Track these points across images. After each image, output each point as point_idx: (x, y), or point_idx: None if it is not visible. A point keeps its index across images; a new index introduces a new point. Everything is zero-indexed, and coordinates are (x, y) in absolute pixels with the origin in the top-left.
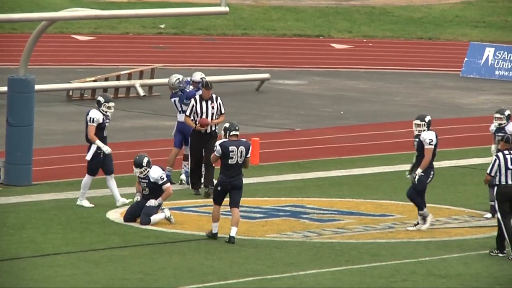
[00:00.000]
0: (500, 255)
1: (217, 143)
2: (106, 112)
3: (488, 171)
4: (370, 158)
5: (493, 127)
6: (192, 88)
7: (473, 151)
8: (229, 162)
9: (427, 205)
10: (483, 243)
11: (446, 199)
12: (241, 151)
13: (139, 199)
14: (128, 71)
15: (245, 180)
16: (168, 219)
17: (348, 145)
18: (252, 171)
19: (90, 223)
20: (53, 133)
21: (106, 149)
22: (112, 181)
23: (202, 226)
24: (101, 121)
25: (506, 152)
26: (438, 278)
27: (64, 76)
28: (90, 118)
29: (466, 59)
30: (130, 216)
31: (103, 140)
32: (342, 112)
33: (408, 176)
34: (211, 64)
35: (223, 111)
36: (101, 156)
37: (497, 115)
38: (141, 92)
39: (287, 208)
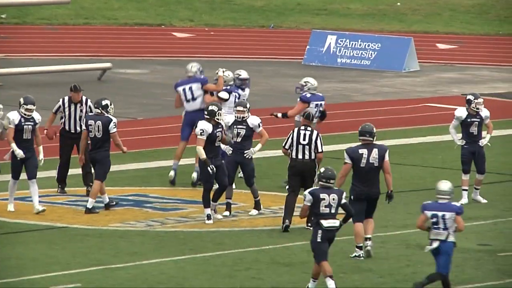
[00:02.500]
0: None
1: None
2: (25, 114)
3: (283, 144)
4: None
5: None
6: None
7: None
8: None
9: (270, 193)
10: None
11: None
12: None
13: None
14: None
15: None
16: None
17: (192, 133)
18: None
19: None
20: None
21: (17, 152)
22: (32, 187)
23: (45, 216)
24: (16, 122)
25: (302, 127)
26: (282, 266)
27: None
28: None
29: (308, 47)
30: None
31: (23, 142)
32: None
33: None
34: (52, 54)
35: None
36: (18, 159)
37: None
38: None
39: (130, 198)
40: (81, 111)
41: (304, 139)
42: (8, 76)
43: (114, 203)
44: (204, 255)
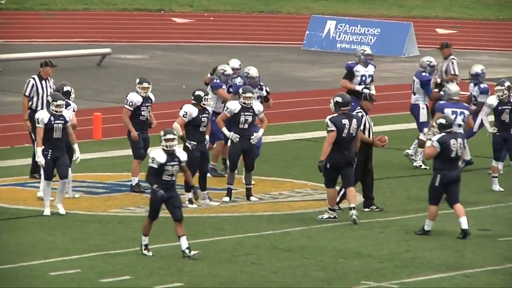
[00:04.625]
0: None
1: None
2: (55, 111)
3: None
4: None
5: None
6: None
7: (316, 124)
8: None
9: (270, 178)
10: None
11: (289, 172)
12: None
13: None
14: None
15: (87, 156)
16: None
17: None
18: (94, 146)
19: None
20: None
21: (39, 160)
22: (61, 186)
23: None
24: (46, 121)
25: None
26: (282, 251)
27: None
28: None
29: (307, 32)
30: None
31: (54, 142)
32: (184, 87)
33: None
34: (52, 40)
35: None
36: (49, 158)
37: (498, 87)
38: None
39: (130, 183)
40: (50, 87)
41: None
42: (7, 62)
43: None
44: (203, 241)
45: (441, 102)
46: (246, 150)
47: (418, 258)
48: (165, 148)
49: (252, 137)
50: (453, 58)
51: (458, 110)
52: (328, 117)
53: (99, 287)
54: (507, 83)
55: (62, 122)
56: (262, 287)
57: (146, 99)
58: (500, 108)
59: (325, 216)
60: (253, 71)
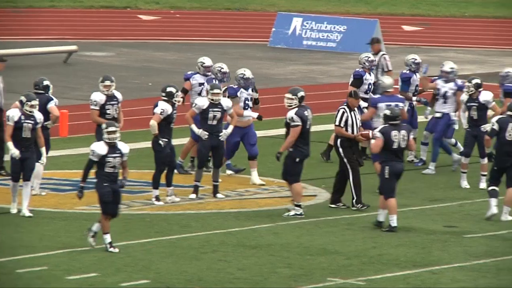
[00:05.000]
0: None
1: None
2: (28, 111)
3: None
4: (180, 130)
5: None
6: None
7: (283, 121)
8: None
9: (236, 175)
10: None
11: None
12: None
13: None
14: None
15: (54, 153)
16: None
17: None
18: (61, 143)
19: None
20: None
21: (13, 152)
22: (25, 189)
23: (10, 199)
24: (16, 119)
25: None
26: (248, 248)
27: None
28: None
29: (273, 29)
30: None
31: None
32: (150, 84)
33: None
34: (18, 37)
35: None
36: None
37: (466, 84)
38: None
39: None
40: (2, 82)
41: None
42: None
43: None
44: (170, 238)
45: (375, 96)
46: (215, 147)
47: (384, 255)
48: (107, 141)
49: (221, 134)
50: (384, 54)
51: (393, 103)
52: (293, 112)
53: (66, 284)
54: (475, 80)
55: (32, 122)
56: (229, 284)
57: (110, 97)
58: (468, 104)
59: (292, 213)
60: (248, 72)
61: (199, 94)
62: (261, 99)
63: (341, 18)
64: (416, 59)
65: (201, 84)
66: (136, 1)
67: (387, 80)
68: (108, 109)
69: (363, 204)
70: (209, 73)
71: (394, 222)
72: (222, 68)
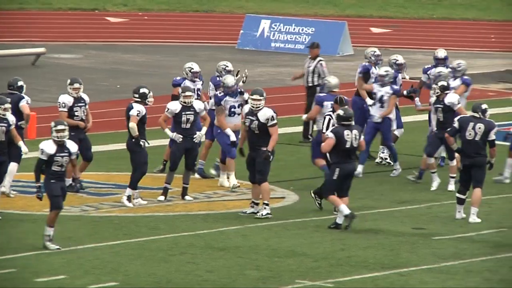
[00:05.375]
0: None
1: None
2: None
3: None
4: (150, 132)
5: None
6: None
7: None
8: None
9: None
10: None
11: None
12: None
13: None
14: None
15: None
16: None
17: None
18: (29, 145)
19: None
20: None
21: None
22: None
23: None
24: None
25: None
26: (217, 250)
27: None
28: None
29: (242, 31)
30: None
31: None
32: (118, 86)
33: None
34: None
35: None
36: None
37: (433, 85)
38: None
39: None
40: None
41: None
42: None
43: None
44: (138, 240)
45: (321, 94)
46: (188, 149)
47: (353, 257)
48: (56, 139)
49: (195, 136)
50: (321, 60)
51: None
52: (271, 110)
53: (34, 286)
54: (441, 83)
55: (5, 125)
56: (198, 286)
57: (77, 99)
58: (434, 106)
59: (264, 212)
60: (229, 80)
61: None
62: None
63: (309, 20)
64: (397, 60)
65: None
66: (104, 3)
67: (333, 80)
68: (76, 111)
69: (320, 204)
70: (197, 79)
71: (340, 219)
72: (227, 66)
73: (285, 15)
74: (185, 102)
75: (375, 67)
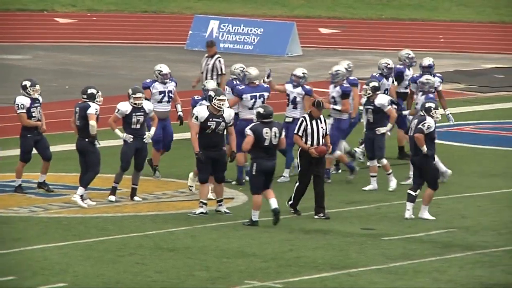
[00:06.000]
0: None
1: None
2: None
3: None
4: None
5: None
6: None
7: None
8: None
9: (154, 178)
10: (210, 216)
11: (173, 172)
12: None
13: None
14: None
15: None
16: None
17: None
18: None
19: None
20: None
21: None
22: None
23: None
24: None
25: None
26: (166, 251)
27: None
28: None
29: (190, 32)
30: None
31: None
32: (67, 87)
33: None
34: None
35: None
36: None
37: (364, 86)
38: None
39: (13, 184)
40: None
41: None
42: None
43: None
44: (87, 241)
45: (240, 87)
46: (138, 149)
47: (302, 257)
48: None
49: (144, 136)
50: (219, 57)
51: (257, 94)
52: (233, 111)
53: None
54: (372, 83)
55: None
56: (147, 287)
57: (33, 100)
58: (365, 107)
59: (198, 211)
60: (210, 84)
61: (160, 102)
62: (189, 100)
63: (258, 21)
64: (388, 64)
65: (161, 92)
66: (52, 4)
67: (253, 71)
68: (33, 111)
69: (296, 210)
70: (167, 81)
71: (256, 217)
72: (243, 68)
73: (234, 16)
74: (135, 104)
75: (408, 69)
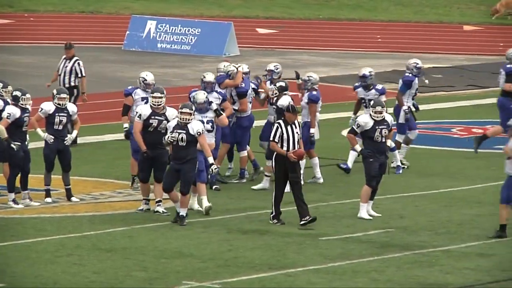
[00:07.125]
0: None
1: None
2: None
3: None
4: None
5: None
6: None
7: None
8: None
9: (91, 179)
10: (148, 217)
11: (111, 172)
12: None
13: None
14: None
15: None
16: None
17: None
18: None
19: None
20: None
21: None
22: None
23: None
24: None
25: None
26: (104, 252)
27: None
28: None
29: (128, 32)
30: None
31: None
32: None
33: None
34: None
35: None
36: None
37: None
38: None
39: None
40: None
41: None
42: None
43: None
44: (25, 242)
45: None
46: (61, 151)
47: (240, 258)
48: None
49: (66, 138)
50: (78, 60)
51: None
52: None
53: None
54: (279, 83)
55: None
56: (85, 287)
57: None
58: (272, 107)
59: (142, 207)
60: (200, 96)
61: None
62: (116, 102)
63: (195, 21)
64: (418, 63)
65: (143, 99)
66: None
67: (209, 76)
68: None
69: (279, 220)
70: (149, 90)
71: (183, 212)
72: (242, 67)
73: (171, 16)
74: (59, 104)
75: (417, 78)
